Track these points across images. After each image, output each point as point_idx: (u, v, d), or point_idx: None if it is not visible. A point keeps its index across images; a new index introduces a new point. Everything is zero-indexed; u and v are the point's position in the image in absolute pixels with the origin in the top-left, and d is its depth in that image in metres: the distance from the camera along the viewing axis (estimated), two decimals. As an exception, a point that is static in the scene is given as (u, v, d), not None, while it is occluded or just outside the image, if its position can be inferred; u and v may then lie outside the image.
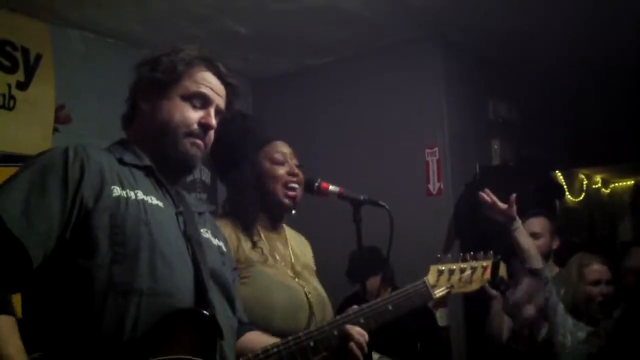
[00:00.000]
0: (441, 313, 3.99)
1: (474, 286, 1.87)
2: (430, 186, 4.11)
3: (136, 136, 1.50)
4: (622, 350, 2.53)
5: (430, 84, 4.24)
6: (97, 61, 3.82)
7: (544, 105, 5.24)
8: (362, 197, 1.91)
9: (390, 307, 1.66)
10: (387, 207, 1.87)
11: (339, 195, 1.93)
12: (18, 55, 3.52)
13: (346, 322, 1.57)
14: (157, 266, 1.29)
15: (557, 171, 6.61)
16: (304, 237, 2.16)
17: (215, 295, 1.40)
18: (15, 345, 1.14)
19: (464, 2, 3.75)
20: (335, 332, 1.55)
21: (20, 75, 3.52)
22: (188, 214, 1.46)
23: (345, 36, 4.16)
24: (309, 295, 1.89)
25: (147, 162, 1.45)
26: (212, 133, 1.51)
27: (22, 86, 3.51)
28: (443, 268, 1.83)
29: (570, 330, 2.64)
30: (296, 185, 1.97)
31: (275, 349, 1.46)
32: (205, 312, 1.31)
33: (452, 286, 1.83)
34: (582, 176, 8.06)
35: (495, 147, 4.58)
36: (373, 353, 1.70)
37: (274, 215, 2.01)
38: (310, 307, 1.87)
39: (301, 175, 1.99)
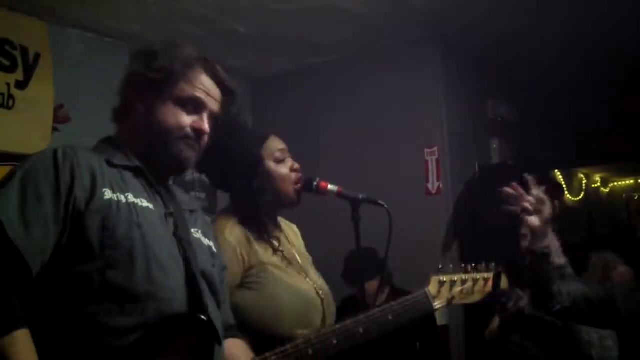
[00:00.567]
0: (440, 312, 3.99)
1: (475, 297, 1.87)
2: (430, 185, 4.11)
3: (127, 134, 1.47)
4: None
5: (430, 83, 4.24)
6: (96, 61, 3.81)
7: (543, 105, 5.24)
8: (361, 196, 1.91)
9: (390, 317, 1.65)
10: (386, 206, 1.87)
11: (338, 195, 1.93)
12: (17, 54, 3.51)
13: (345, 331, 1.55)
14: (152, 269, 1.27)
15: (556, 170, 6.61)
16: (294, 225, 2.15)
17: (208, 298, 1.38)
18: None
19: (463, 2, 3.74)
20: (335, 341, 1.54)
21: (19, 75, 3.52)
22: (179, 215, 1.44)
23: (345, 36, 4.16)
24: (320, 293, 1.88)
25: (136, 162, 1.43)
26: (205, 137, 1.49)
27: (21, 85, 3.51)
28: (445, 279, 1.83)
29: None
30: (299, 181, 1.96)
31: (274, 357, 1.44)
32: (202, 317, 1.29)
33: (453, 297, 1.83)
34: (582, 175, 8.07)
35: (495, 146, 4.59)
36: None
37: (277, 212, 2.00)
38: (323, 305, 1.86)
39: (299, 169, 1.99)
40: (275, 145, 1.96)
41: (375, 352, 3.18)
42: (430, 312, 1.79)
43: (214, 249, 1.55)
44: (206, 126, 1.47)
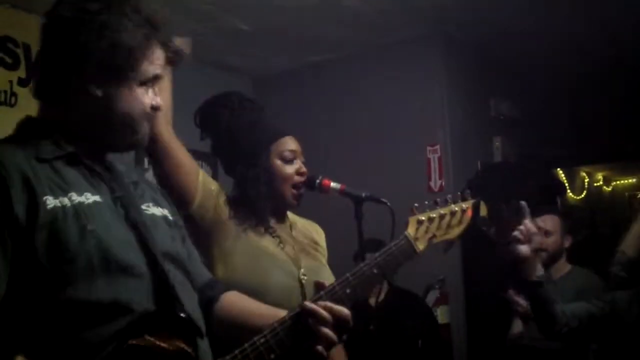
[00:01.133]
0: (442, 310, 3.99)
1: (456, 231, 1.77)
2: (432, 183, 4.11)
3: (67, 116, 1.27)
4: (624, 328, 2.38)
5: (432, 81, 4.24)
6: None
7: (545, 103, 5.23)
8: (363, 194, 1.90)
9: (375, 271, 1.56)
10: (389, 204, 1.87)
11: (341, 192, 1.92)
12: (19, 51, 3.52)
13: (334, 294, 1.47)
14: (113, 273, 1.16)
15: (558, 169, 6.59)
16: (315, 225, 2.12)
17: (178, 283, 1.27)
18: None
19: (464, 0, 3.74)
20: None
21: (21, 72, 3.52)
22: (126, 195, 1.30)
23: (346, 33, 4.15)
24: (303, 278, 1.85)
25: (68, 149, 1.24)
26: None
27: (24, 83, 3.51)
28: (423, 218, 1.71)
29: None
30: (302, 184, 1.95)
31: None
32: (181, 314, 1.20)
33: (434, 236, 1.72)
34: (584, 174, 8.04)
35: (497, 144, 4.58)
36: None
37: (280, 209, 2.00)
38: (303, 290, 1.82)
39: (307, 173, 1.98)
40: (288, 144, 1.95)
41: (377, 350, 3.18)
42: (414, 256, 1.67)
43: (170, 217, 1.41)
44: (160, 101, 1.35)
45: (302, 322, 1.37)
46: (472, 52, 4.51)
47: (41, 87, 1.29)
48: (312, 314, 1.37)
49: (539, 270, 2.12)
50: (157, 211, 1.37)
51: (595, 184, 8.47)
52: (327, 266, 2.02)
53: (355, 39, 4.26)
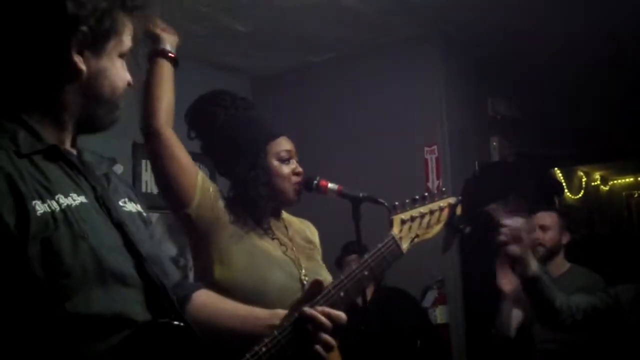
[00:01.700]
0: (441, 310, 4.00)
1: (435, 231, 1.80)
2: (430, 184, 4.12)
3: (44, 100, 1.16)
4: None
5: (430, 81, 4.24)
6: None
7: (543, 103, 5.25)
8: (361, 195, 1.91)
9: (366, 273, 1.56)
10: (386, 204, 1.87)
11: (338, 193, 1.92)
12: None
13: (329, 298, 1.46)
14: (110, 284, 1.11)
15: (556, 168, 6.61)
16: (309, 223, 2.12)
17: (166, 287, 1.23)
18: None
19: (463, 0, 3.75)
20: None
21: None
22: (105, 191, 1.21)
23: (345, 34, 4.16)
24: (305, 278, 1.85)
25: (51, 140, 1.15)
26: None
27: None
28: (406, 217, 1.72)
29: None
30: (299, 184, 1.96)
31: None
32: (179, 323, 1.16)
33: (416, 235, 1.74)
34: (581, 173, 8.07)
35: (495, 144, 4.59)
36: None
37: (277, 207, 2.01)
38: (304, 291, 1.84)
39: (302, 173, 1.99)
40: (283, 145, 1.95)
41: (376, 350, 3.18)
42: (400, 256, 1.67)
43: (144, 213, 1.35)
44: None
45: (301, 328, 1.34)
46: (470, 52, 4.51)
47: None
48: (312, 320, 1.34)
49: (534, 266, 2.11)
50: (133, 208, 1.31)
51: (592, 184, 8.49)
52: (324, 265, 2.03)
53: (354, 39, 4.27)
